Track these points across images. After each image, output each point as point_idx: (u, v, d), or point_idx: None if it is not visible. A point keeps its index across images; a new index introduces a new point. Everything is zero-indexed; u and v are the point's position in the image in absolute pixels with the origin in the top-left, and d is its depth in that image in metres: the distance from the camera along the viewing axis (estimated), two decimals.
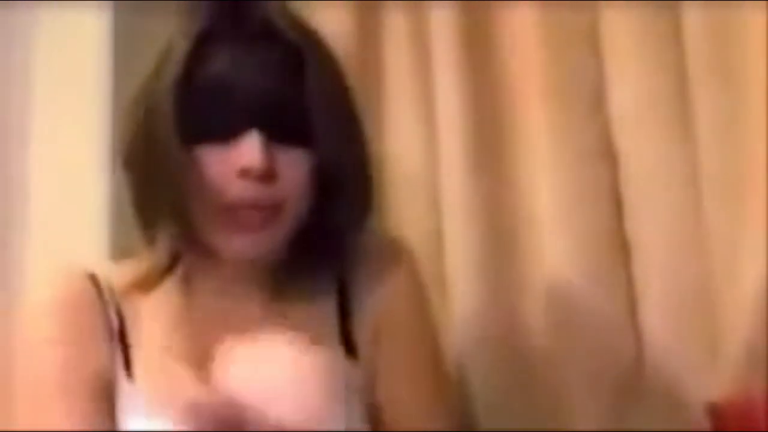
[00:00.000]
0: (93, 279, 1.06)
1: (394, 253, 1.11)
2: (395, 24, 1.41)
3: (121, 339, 1.04)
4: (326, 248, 1.05)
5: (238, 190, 0.97)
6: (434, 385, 1.11)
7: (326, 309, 1.07)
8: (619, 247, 1.26)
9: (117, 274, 1.07)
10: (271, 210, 0.99)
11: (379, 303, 1.08)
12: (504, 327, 1.29)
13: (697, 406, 1.15)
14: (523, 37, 1.33)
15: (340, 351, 1.05)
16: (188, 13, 1.03)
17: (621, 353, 1.24)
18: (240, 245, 1.00)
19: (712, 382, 1.17)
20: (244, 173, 0.97)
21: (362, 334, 1.07)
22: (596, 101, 1.29)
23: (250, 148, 0.97)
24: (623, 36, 1.26)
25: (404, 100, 1.39)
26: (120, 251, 1.35)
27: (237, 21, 1.01)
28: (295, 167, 0.99)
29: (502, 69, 1.35)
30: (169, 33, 1.04)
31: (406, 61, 1.40)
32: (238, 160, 0.97)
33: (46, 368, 1.02)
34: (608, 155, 1.28)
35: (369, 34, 1.39)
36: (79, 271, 1.08)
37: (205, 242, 1.01)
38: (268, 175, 0.97)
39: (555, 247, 1.28)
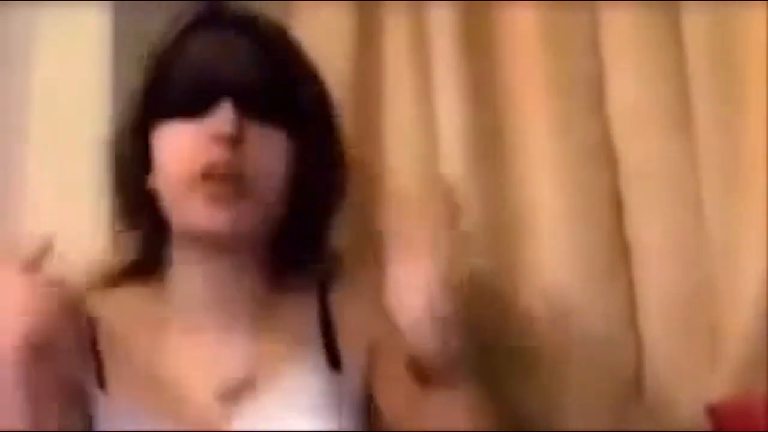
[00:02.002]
0: (65, 288, 1.03)
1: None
2: (395, 24, 1.41)
3: (93, 347, 1.03)
4: (305, 242, 1.08)
5: (206, 155, 1.00)
6: None
7: (308, 317, 1.08)
8: (618, 247, 1.26)
9: (90, 277, 1.09)
10: (239, 182, 1.00)
11: (372, 315, 1.07)
12: (503, 326, 1.29)
13: (697, 407, 1.15)
14: (523, 37, 1.32)
15: (321, 361, 1.05)
16: (177, 17, 1.09)
17: (621, 354, 1.24)
18: (210, 218, 1.00)
19: (712, 383, 1.17)
20: (216, 138, 0.99)
21: (350, 344, 1.07)
22: (596, 101, 1.29)
23: (222, 115, 1.00)
24: (623, 36, 1.26)
25: (404, 100, 1.39)
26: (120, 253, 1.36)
27: (216, 14, 1.07)
28: (267, 144, 1.02)
29: (502, 69, 1.34)
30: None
31: (406, 61, 1.39)
32: (209, 127, 1.00)
33: (16, 376, 1.00)
34: (608, 155, 1.28)
35: (369, 34, 1.39)
36: (50, 281, 1.04)
37: (177, 222, 1.03)
38: (237, 141, 1.00)
39: (555, 247, 1.27)
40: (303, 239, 1.08)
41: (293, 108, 1.04)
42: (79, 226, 1.39)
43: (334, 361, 1.06)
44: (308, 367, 1.04)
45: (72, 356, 1.01)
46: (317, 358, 1.05)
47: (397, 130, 1.39)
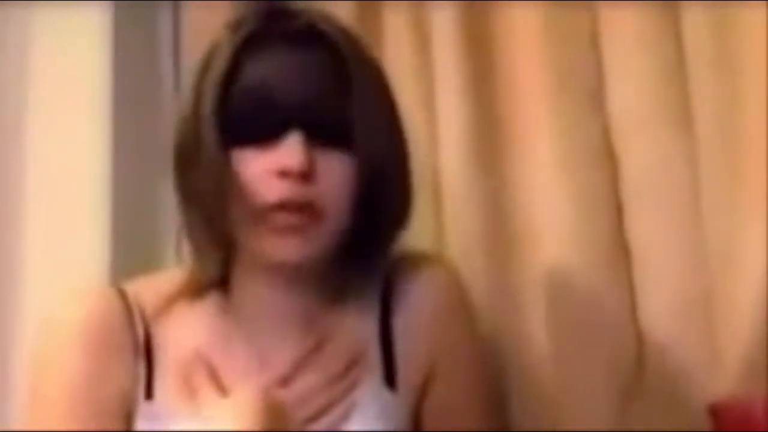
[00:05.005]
0: (122, 296, 1.05)
1: (440, 274, 1.11)
2: (396, 23, 1.41)
3: (146, 356, 1.03)
4: (369, 255, 1.05)
5: (278, 190, 0.98)
6: (486, 415, 1.11)
7: (367, 331, 1.07)
8: (619, 247, 1.26)
9: (147, 288, 1.07)
10: (311, 212, 0.99)
11: (431, 335, 1.07)
12: (504, 327, 1.29)
13: (697, 406, 1.15)
14: (524, 37, 1.33)
15: (378, 379, 1.05)
16: (234, 17, 1.03)
17: (621, 354, 1.24)
18: (281, 248, 0.99)
19: (712, 382, 1.17)
20: (284, 174, 0.97)
21: (408, 366, 1.06)
22: (596, 101, 1.29)
23: (290, 149, 0.97)
24: (623, 35, 1.26)
25: (404, 100, 1.39)
26: (121, 260, 1.36)
27: (281, 24, 1.02)
28: (335, 170, 0.99)
29: (503, 69, 1.35)
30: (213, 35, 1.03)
31: (406, 60, 1.40)
32: (278, 160, 0.97)
33: (64, 386, 1.01)
34: (608, 155, 1.28)
35: (369, 34, 1.39)
36: (108, 288, 1.08)
37: (248, 248, 1.01)
38: (307, 176, 0.97)
39: (555, 247, 1.28)
40: (368, 252, 1.05)
41: (359, 126, 1.00)
42: (79, 226, 1.39)
43: (390, 378, 1.05)
44: (363, 384, 1.03)
45: (124, 369, 1.02)
46: (374, 374, 1.04)
47: None
